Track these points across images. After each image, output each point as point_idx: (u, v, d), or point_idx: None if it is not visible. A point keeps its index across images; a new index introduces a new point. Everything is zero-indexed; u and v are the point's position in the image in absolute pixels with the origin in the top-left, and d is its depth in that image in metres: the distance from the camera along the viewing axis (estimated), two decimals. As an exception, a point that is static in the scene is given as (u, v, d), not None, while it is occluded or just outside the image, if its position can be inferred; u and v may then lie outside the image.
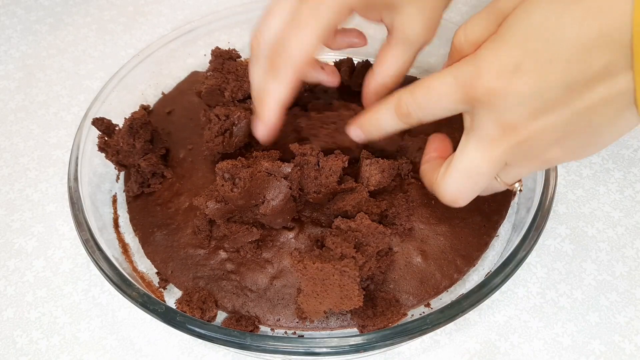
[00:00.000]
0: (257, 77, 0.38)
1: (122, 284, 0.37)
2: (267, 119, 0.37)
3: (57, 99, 0.59)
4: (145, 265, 0.43)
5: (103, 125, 0.46)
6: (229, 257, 0.41)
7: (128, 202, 0.47)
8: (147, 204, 0.46)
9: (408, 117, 0.33)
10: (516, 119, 0.29)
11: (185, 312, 0.38)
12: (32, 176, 0.52)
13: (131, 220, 0.46)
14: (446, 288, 0.41)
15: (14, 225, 0.49)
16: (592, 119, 0.28)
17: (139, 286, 0.38)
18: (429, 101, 0.32)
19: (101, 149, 0.45)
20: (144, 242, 0.44)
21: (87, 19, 0.68)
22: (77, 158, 0.45)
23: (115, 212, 0.47)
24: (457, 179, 0.33)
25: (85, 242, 0.40)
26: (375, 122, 0.36)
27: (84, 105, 0.58)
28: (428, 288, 0.40)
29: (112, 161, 0.46)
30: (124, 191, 0.47)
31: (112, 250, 0.41)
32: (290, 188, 0.38)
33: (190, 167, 0.47)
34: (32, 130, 0.56)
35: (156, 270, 0.43)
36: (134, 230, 0.45)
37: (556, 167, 0.42)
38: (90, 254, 0.39)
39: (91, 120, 0.46)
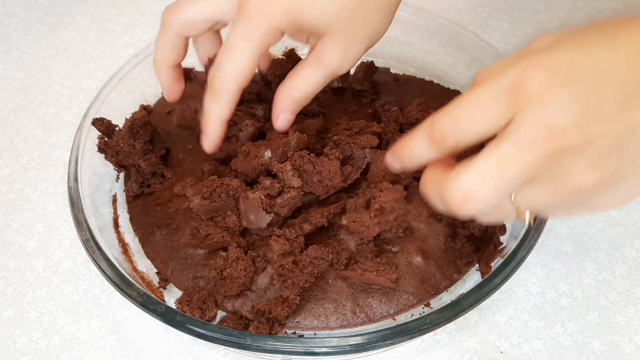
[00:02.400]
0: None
1: (122, 284, 0.37)
2: (209, 134, 0.41)
3: (57, 98, 0.59)
4: (145, 265, 0.43)
5: (103, 125, 0.46)
6: None
7: (128, 202, 0.47)
8: (147, 204, 0.46)
9: (443, 142, 0.29)
10: (565, 121, 0.26)
11: (185, 312, 0.38)
12: (32, 176, 0.52)
13: (131, 220, 0.46)
14: (446, 288, 0.41)
15: (14, 225, 0.49)
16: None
17: (139, 286, 0.38)
18: (468, 117, 0.28)
19: (101, 149, 0.45)
20: (144, 242, 0.44)
21: (87, 19, 0.68)
22: (77, 158, 0.45)
23: (115, 212, 0.47)
24: (476, 175, 0.28)
25: (85, 242, 0.40)
26: (408, 151, 0.32)
27: (84, 105, 0.57)
28: (428, 288, 0.40)
29: (111, 162, 0.46)
30: (124, 191, 0.47)
31: (112, 250, 0.41)
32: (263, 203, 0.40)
33: (190, 167, 0.47)
34: (32, 130, 0.56)
35: (156, 270, 0.43)
36: (134, 230, 0.45)
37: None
38: (90, 254, 0.39)
39: (91, 120, 0.46)
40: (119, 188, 0.48)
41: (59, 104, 0.59)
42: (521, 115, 0.27)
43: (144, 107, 0.52)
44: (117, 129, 0.46)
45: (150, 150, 0.46)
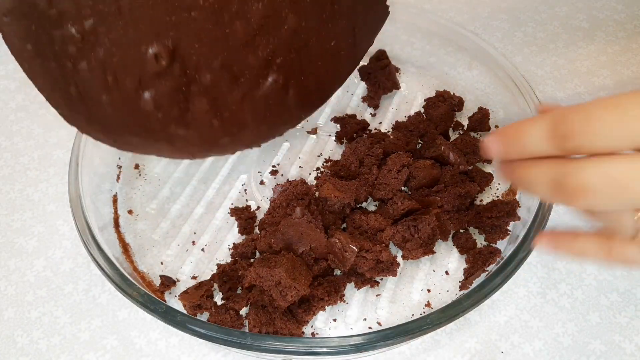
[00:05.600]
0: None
1: (123, 284, 0.37)
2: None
3: (57, 98, 0.59)
4: (146, 265, 0.43)
5: None
6: None
7: None
8: None
9: (566, 139, 0.25)
10: None
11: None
12: (32, 176, 0.52)
13: None
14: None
15: (15, 225, 0.49)
16: None
17: (139, 286, 0.38)
18: (606, 119, 0.24)
19: None
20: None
21: (87, 18, 0.68)
22: (77, 158, 0.45)
23: (115, 212, 0.47)
24: (603, 173, 0.25)
25: (85, 242, 0.40)
26: (519, 137, 0.28)
27: (84, 105, 0.58)
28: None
29: None
30: None
31: (112, 250, 0.41)
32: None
33: None
34: (33, 130, 0.56)
35: (159, 273, 0.43)
36: None
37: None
38: (91, 254, 0.39)
39: None
40: (119, 188, 0.48)
41: (60, 104, 0.59)
42: None
43: None
44: None
45: None
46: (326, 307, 0.40)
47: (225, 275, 0.41)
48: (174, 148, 0.41)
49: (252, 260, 0.43)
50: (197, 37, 0.35)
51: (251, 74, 0.38)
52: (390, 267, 0.41)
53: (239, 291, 0.41)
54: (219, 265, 0.43)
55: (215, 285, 0.41)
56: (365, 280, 0.41)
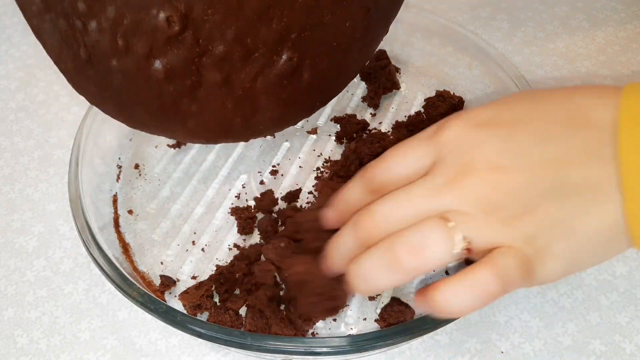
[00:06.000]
0: None
1: (123, 284, 0.37)
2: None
3: (57, 98, 0.59)
4: (146, 265, 0.43)
5: None
6: None
7: None
8: None
9: (372, 180, 0.32)
10: (480, 157, 0.28)
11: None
12: (32, 176, 0.52)
13: None
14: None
15: (15, 225, 0.49)
16: (563, 186, 0.27)
17: (139, 286, 0.38)
18: (393, 159, 0.31)
19: None
20: None
21: (87, 18, 0.68)
22: (77, 158, 0.45)
23: (115, 212, 0.47)
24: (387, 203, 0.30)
25: (85, 242, 0.40)
26: (342, 194, 0.34)
27: (84, 105, 0.57)
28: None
29: None
30: None
31: (112, 250, 0.41)
32: None
33: None
34: (33, 130, 0.56)
35: (159, 273, 0.43)
36: None
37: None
38: (91, 254, 0.39)
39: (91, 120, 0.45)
40: (119, 188, 0.48)
41: (59, 103, 0.59)
42: (439, 158, 0.29)
43: None
44: None
45: None
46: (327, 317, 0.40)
47: (223, 277, 0.41)
48: (187, 128, 0.40)
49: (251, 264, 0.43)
50: (210, 2, 0.34)
51: (265, 49, 0.37)
52: None
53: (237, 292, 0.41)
54: (217, 267, 0.42)
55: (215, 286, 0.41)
56: None
